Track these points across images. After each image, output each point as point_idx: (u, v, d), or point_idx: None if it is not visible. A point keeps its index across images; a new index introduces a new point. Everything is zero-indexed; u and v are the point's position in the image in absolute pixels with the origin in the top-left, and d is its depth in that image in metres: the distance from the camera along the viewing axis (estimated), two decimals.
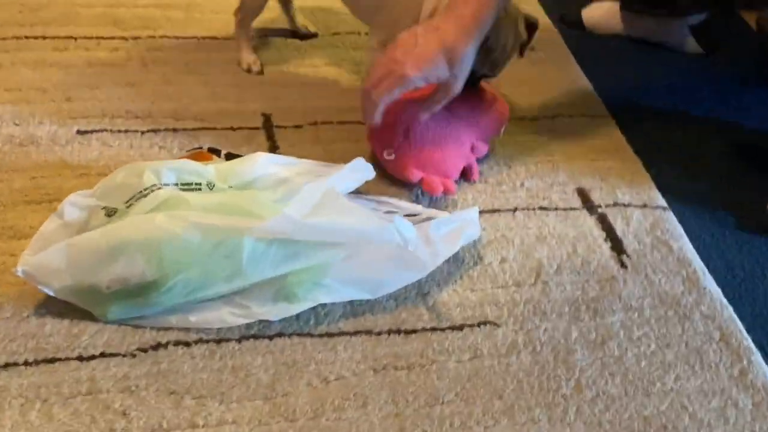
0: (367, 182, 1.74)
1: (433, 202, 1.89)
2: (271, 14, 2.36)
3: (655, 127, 2.22)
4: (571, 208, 1.93)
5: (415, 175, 1.83)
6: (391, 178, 1.90)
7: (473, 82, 1.88)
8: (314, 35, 2.37)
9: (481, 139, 1.97)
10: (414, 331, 1.60)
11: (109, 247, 1.44)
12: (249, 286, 1.51)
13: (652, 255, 1.84)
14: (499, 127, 2.03)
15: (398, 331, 1.60)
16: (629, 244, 1.86)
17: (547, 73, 2.39)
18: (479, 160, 2.00)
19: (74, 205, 1.56)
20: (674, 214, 1.95)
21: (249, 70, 2.16)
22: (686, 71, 2.47)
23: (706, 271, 1.81)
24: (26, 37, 2.23)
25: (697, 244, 1.88)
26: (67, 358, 1.47)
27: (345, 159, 1.73)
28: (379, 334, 1.59)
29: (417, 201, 1.87)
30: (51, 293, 1.48)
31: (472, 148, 1.95)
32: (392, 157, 1.86)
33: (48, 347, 1.48)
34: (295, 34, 2.37)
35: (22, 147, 1.89)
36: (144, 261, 1.44)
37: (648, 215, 1.94)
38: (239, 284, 1.50)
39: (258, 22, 2.25)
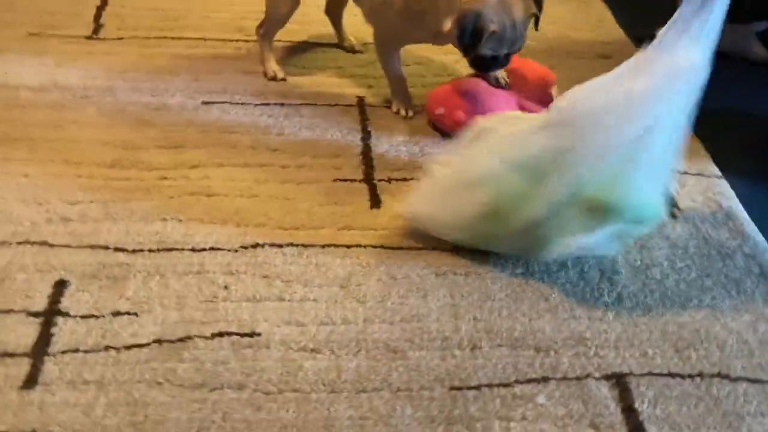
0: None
1: None
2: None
3: (717, 119, 2.41)
4: None
5: (462, 116, 2.11)
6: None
7: (502, 64, 2.16)
8: (360, 52, 2.60)
9: (529, 99, 2.23)
10: (476, 250, 1.84)
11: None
12: None
13: (702, 210, 2.03)
14: (547, 88, 2.27)
15: (459, 249, 1.84)
16: (682, 201, 2.05)
17: None
18: None
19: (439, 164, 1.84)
20: (728, 182, 2.13)
21: (274, 78, 2.41)
22: (749, 78, 2.66)
23: (752, 222, 1.98)
24: (165, 37, 2.66)
25: (749, 208, 2.06)
26: (183, 249, 1.79)
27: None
28: (443, 250, 1.84)
29: None
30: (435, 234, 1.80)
31: (521, 107, 2.21)
32: (442, 111, 2.16)
33: (168, 240, 1.81)
34: (343, 48, 2.62)
35: (156, 110, 2.29)
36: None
37: (702, 181, 2.14)
38: None
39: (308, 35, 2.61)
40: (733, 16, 2.65)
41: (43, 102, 2.29)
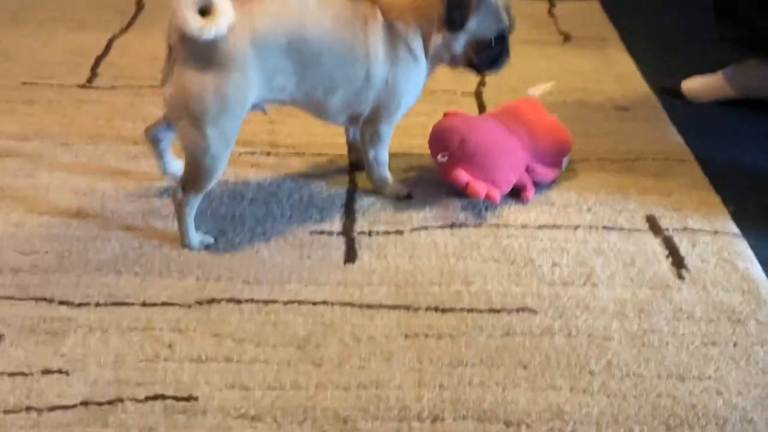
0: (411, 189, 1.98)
1: (483, 212, 2.01)
2: None
3: (741, 176, 2.25)
4: (636, 230, 1.99)
5: (463, 177, 1.97)
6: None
7: (508, 51, 1.98)
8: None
9: (539, 161, 2.09)
10: (451, 310, 1.70)
11: None
12: None
13: (714, 271, 1.85)
14: (559, 155, 2.14)
15: (436, 309, 1.70)
16: (691, 261, 1.88)
17: (637, 128, 2.48)
18: (545, 186, 2.11)
19: None
20: (748, 243, 1.95)
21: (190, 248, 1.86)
22: None
23: None
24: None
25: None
26: (133, 303, 1.68)
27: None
28: (417, 309, 1.70)
29: (461, 208, 2.00)
30: None
31: (528, 169, 2.07)
32: (445, 159, 2.02)
33: (118, 294, 1.71)
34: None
35: (135, 159, 2.21)
36: None
37: (717, 240, 1.96)
38: None
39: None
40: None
41: (22, 150, 2.24)
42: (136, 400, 1.45)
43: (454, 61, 1.98)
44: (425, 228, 1.96)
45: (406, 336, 1.63)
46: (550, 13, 3.36)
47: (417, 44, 1.92)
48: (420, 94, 2.02)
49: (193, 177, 1.81)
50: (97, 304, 1.68)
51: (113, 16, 3.15)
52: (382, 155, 2.05)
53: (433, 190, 2.10)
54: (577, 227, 1.99)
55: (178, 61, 1.73)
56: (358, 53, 1.87)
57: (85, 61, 2.76)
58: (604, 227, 1.99)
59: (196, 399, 1.46)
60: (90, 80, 2.65)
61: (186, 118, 1.75)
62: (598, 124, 2.49)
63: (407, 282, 1.77)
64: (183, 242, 1.86)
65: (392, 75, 1.91)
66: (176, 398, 1.46)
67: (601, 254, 1.89)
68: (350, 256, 1.86)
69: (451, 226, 1.97)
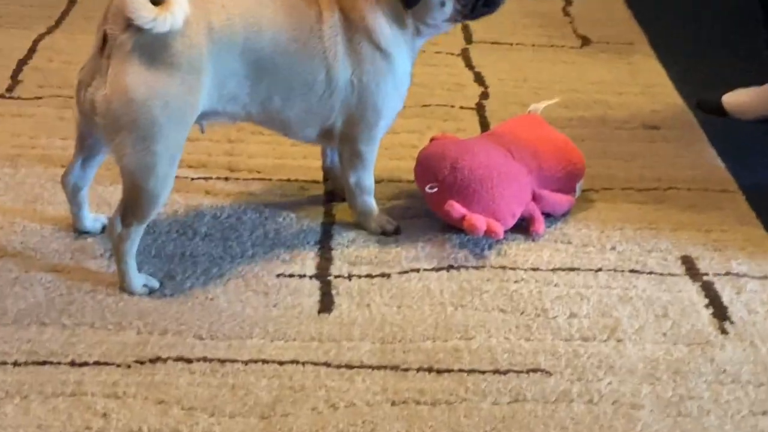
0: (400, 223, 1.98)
1: (485, 251, 2.01)
2: None
3: None
4: (670, 274, 2.00)
5: (457, 211, 1.98)
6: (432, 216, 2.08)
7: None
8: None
9: (547, 187, 2.10)
10: (448, 371, 1.69)
11: None
12: None
13: (764, 324, 1.86)
14: (571, 179, 2.15)
15: (429, 369, 1.69)
16: (736, 312, 1.89)
17: (669, 150, 2.51)
18: (558, 219, 2.12)
19: None
20: None
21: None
22: None
23: None
24: None
25: None
26: (59, 362, 1.67)
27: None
28: (406, 370, 1.69)
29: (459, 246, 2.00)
30: None
31: (534, 197, 2.07)
32: (434, 190, 2.02)
33: (42, 351, 1.69)
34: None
35: None
36: None
37: (767, 286, 1.97)
38: None
39: None
40: None
41: None
42: None
43: (442, 28, 1.98)
44: (416, 270, 1.96)
45: (393, 403, 1.62)
46: (566, 11, 3.40)
47: (384, 35, 1.92)
48: (403, 97, 2.03)
49: (134, 204, 1.80)
50: (15, 364, 1.67)
51: (39, 11, 3.16)
52: (365, 180, 2.05)
53: (426, 224, 2.10)
54: (598, 270, 2.00)
55: (116, 56, 1.71)
56: (315, 51, 1.88)
57: (4, 66, 2.77)
58: (631, 270, 2.01)
59: None
60: (10, 89, 2.67)
61: (126, 130, 1.73)
62: (622, 145, 2.53)
63: (395, 336, 1.77)
64: (122, 286, 1.85)
65: (357, 76, 1.93)
66: None
67: (628, 303, 1.90)
68: (326, 304, 1.86)
69: (448, 268, 1.97)
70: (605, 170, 2.35)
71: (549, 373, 1.70)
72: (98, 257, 1.96)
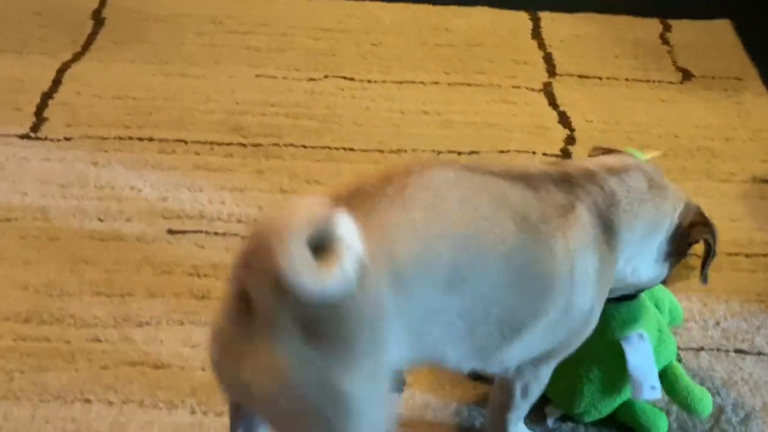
0: None
1: None
2: None
3: None
4: None
5: None
6: None
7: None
8: None
9: None
10: None
11: None
12: None
13: None
14: None
15: None
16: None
17: None
18: None
19: None
20: None
21: None
22: None
23: None
24: (129, 138, 2.80)
25: None
26: None
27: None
28: None
29: None
30: None
31: None
32: None
33: None
34: None
35: (102, 241, 2.40)
36: None
37: None
38: None
39: None
40: None
41: None
42: None
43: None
44: None
45: None
46: (664, 38, 3.41)
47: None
48: None
49: None
50: None
51: (61, 36, 3.24)
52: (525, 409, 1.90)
53: None
54: (700, 349, 2.16)
55: (267, 328, 1.46)
56: (557, 273, 1.68)
57: (27, 101, 2.91)
58: (737, 350, 2.16)
59: None
60: (35, 128, 2.81)
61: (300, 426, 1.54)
62: (728, 202, 2.65)
63: None
64: None
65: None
66: None
67: (733, 387, 2.05)
68: None
69: None
70: None
71: None
72: (144, 325, 2.14)
